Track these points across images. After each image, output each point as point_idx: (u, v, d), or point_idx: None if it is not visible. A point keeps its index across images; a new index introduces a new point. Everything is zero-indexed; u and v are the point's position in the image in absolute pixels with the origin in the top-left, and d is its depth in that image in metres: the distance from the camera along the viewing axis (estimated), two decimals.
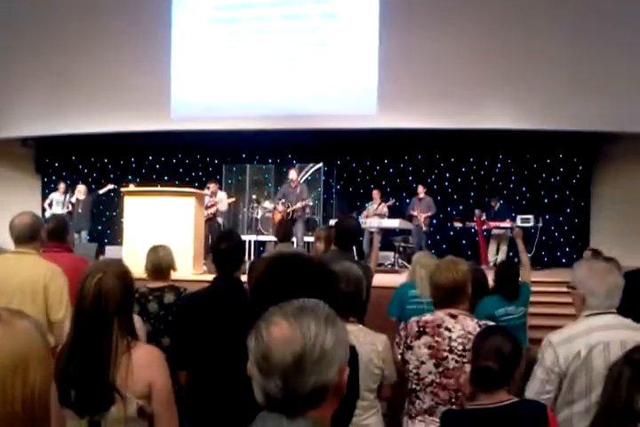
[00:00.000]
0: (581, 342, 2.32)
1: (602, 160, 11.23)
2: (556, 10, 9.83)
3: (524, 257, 4.93)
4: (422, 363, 2.54)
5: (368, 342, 2.66)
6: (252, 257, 9.62)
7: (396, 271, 9.19)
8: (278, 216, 9.84)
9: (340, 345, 1.09)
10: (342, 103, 10.81)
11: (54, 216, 5.66)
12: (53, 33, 11.65)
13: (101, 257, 9.92)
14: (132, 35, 11.33)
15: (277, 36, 11.18)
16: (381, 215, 10.29)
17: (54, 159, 13.71)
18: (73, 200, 11.00)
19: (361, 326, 2.76)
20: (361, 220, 9.61)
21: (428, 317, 2.63)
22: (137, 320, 2.91)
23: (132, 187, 9.41)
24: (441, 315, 2.58)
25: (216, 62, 11.42)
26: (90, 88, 11.49)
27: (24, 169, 13.68)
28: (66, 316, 3.13)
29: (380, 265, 9.81)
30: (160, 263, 3.72)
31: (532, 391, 2.39)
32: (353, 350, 1.73)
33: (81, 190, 11.09)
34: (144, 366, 1.99)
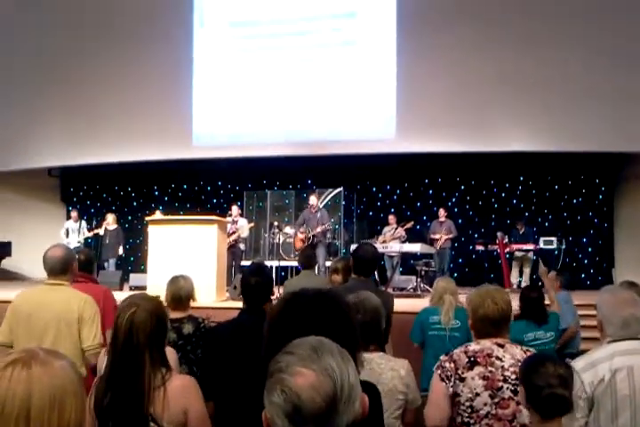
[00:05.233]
0: (605, 366, 2.31)
1: (624, 181, 11.15)
2: (575, 32, 9.88)
3: (552, 295, 4.89)
4: (477, 395, 2.43)
5: (390, 368, 2.66)
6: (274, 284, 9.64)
7: (419, 296, 9.13)
8: (299, 242, 9.88)
9: (357, 376, 1.09)
10: (361, 128, 10.91)
11: (84, 249, 6.17)
12: (76, 64, 11.96)
13: (125, 284, 10.06)
14: (153, 64, 11.59)
15: (296, 64, 11.37)
16: (400, 239, 10.27)
17: (79, 189, 13.95)
18: (101, 231, 11.07)
19: (381, 353, 2.76)
20: (376, 245, 9.59)
21: (474, 346, 2.53)
22: (170, 352, 2.98)
23: (157, 214, 9.54)
24: (488, 344, 2.51)
25: (237, 91, 11.61)
26: (112, 118, 11.74)
27: (49, 199, 13.93)
28: (96, 344, 3.26)
29: (402, 289, 9.78)
30: (180, 293, 3.76)
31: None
32: (374, 388, 1.75)
33: (109, 221, 11.17)
34: (179, 396, 2.07)
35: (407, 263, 10.79)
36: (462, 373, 2.47)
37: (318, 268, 9.12)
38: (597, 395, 2.30)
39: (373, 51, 11.10)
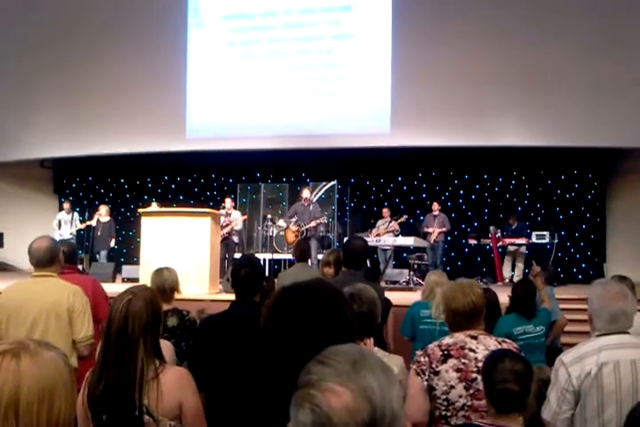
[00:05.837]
0: (592, 360, 2.33)
1: (617, 176, 11.19)
2: (569, 27, 9.87)
3: (544, 293, 4.90)
4: (452, 387, 2.45)
5: None
6: (267, 276, 9.64)
7: (411, 289, 9.17)
8: (290, 235, 9.88)
9: (402, 402, 0.93)
10: (356, 122, 10.89)
11: (66, 242, 6.32)
12: (70, 56, 11.89)
13: (118, 276, 10.05)
14: (147, 56, 11.53)
15: (291, 57, 11.34)
16: (393, 232, 10.30)
17: (71, 180, 13.91)
18: (93, 223, 11.02)
19: (376, 348, 2.75)
20: (370, 238, 9.60)
21: (447, 340, 2.55)
22: (165, 344, 2.98)
23: (153, 205, 9.53)
24: (461, 337, 2.53)
25: (231, 83, 11.57)
26: (106, 109, 11.68)
27: (42, 190, 13.88)
28: (89, 335, 3.26)
29: (394, 283, 9.81)
30: (164, 286, 3.75)
31: (549, 413, 2.39)
32: None
33: (102, 212, 11.12)
34: (173, 388, 2.05)
35: (400, 257, 10.83)
36: (436, 366, 2.48)
37: (310, 260, 9.14)
38: (584, 388, 2.31)
39: (368, 44, 11.05)
